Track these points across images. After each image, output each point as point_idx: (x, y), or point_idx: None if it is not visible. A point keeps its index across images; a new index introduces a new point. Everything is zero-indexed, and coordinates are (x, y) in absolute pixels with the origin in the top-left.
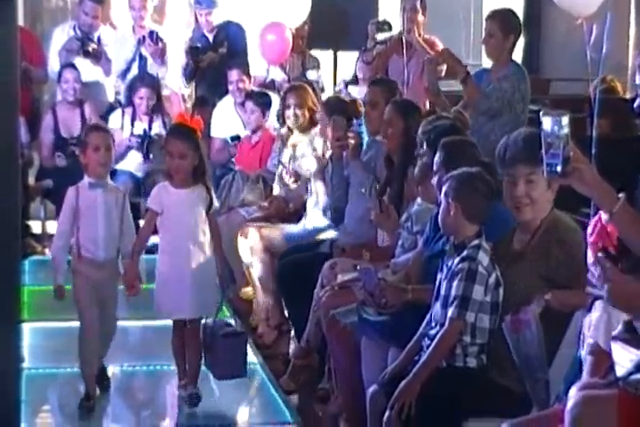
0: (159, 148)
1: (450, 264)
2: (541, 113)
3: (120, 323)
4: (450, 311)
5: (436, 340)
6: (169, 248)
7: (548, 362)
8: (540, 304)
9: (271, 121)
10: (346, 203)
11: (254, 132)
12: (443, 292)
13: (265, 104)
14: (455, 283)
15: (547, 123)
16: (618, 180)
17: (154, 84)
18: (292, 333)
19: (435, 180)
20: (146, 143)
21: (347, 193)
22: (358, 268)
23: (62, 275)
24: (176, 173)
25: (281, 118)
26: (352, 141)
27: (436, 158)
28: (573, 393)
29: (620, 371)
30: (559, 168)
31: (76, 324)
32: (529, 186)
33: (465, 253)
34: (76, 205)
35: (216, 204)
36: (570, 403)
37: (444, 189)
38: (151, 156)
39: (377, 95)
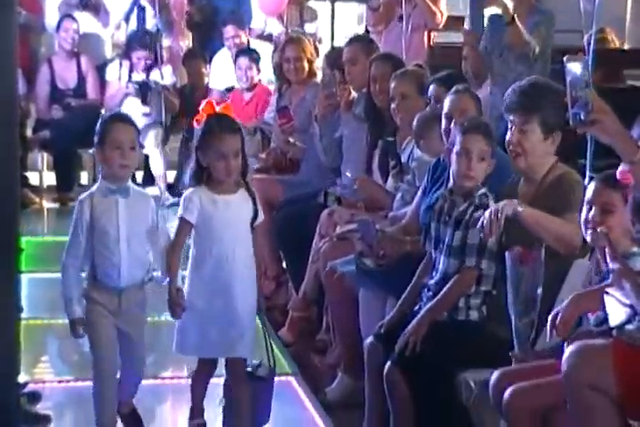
0: (157, 94)
1: (459, 215)
2: (566, 59)
3: None
4: (467, 260)
5: (447, 288)
6: (207, 273)
7: (548, 308)
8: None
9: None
10: (341, 161)
11: (249, 89)
12: (449, 241)
13: (257, 59)
14: (471, 232)
15: (575, 67)
16: None
17: (151, 44)
18: (290, 284)
19: (444, 128)
20: (144, 89)
21: (341, 151)
22: (356, 219)
23: (79, 304)
24: (228, 175)
25: (278, 71)
26: (345, 94)
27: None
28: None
29: (614, 321)
30: (583, 116)
31: None
32: (522, 135)
33: (477, 200)
34: (90, 217)
35: (261, 214)
36: (566, 353)
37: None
38: (150, 104)
39: (356, 52)
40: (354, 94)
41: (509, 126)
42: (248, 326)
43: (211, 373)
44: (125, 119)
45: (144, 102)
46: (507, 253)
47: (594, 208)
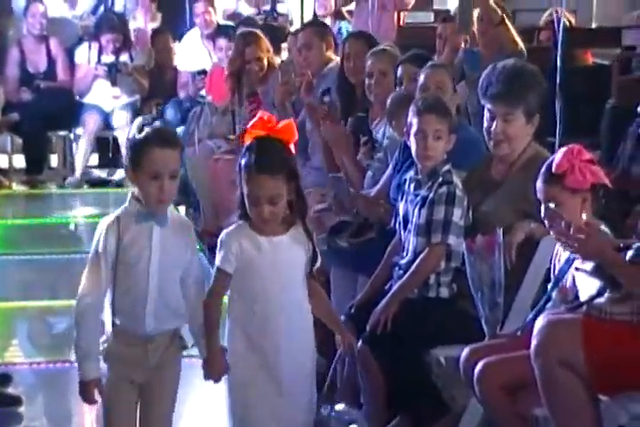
0: (127, 76)
1: (424, 193)
2: None
3: None
4: (433, 237)
5: (416, 265)
6: (248, 338)
7: (515, 289)
8: (525, 231)
9: None
10: (305, 147)
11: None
12: (416, 220)
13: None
14: (436, 208)
15: None
16: (584, 109)
17: (120, 27)
18: None
19: None
20: (114, 71)
21: (304, 135)
22: (330, 176)
23: (96, 361)
24: (263, 222)
25: (233, 64)
26: (304, 79)
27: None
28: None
29: (584, 296)
30: None
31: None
32: (506, 124)
33: (440, 178)
34: (115, 248)
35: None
36: (535, 328)
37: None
38: (119, 86)
39: (311, 37)
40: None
41: (488, 115)
42: (303, 402)
43: None
44: (169, 142)
45: (113, 84)
46: (464, 245)
47: (543, 203)
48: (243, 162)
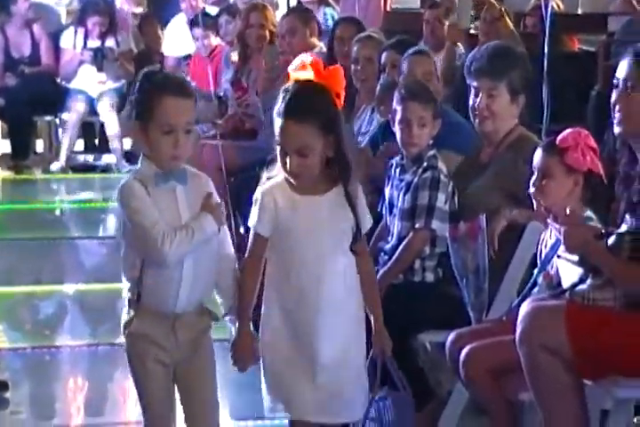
0: (113, 61)
1: (408, 178)
2: None
3: None
4: (417, 222)
5: (400, 250)
6: (285, 310)
7: (501, 275)
8: (507, 218)
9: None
10: None
11: (209, 55)
12: (401, 205)
13: (214, 25)
14: (420, 193)
15: None
16: (570, 95)
17: (106, 10)
18: None
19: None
20: (100, 56)
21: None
22: None
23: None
24: (293, 177)
25: (240, 37)
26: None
27: None
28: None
29: (567, 283)
30: None
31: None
32: (490, 99)
33: (425, 163)
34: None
35: (367, 223)
36: (520, 314)
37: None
38: (105, 71)
39: (294, 22)
40: None
41: (473, 92)
42: (350, 382)
43: None
44: (183, 91)
45: (99, 70)
46: (447, 233)
47: (535, 173)
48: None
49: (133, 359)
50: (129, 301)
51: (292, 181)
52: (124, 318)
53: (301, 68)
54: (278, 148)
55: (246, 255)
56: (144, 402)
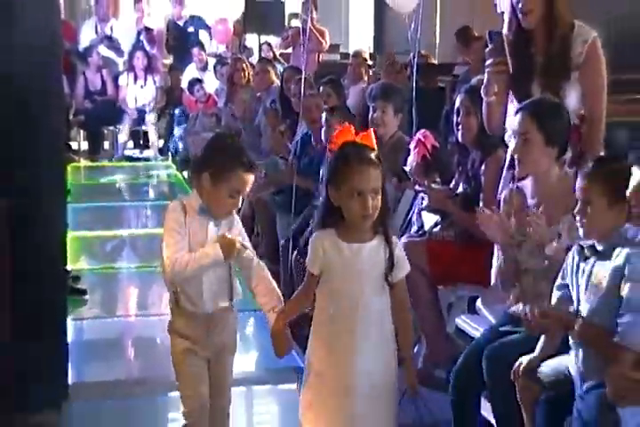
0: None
1: None
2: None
3: None
4: None
5: None
6: (325, 337)
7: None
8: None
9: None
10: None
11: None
12: None
13: (201, 82)
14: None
15: None
16: (430, 112)
17: (146, 51)
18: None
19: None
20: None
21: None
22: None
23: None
24: (364, 217)
25: (229, 78)
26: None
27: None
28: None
29: (427, 226)
30: None
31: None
32: (383, 114)
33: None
34: (183, 223)
35: (407, 267)
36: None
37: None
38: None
39: (264, 67)
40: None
41: (371, 109)
42: (383, 416)
43: None
44: (253, 167)
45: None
46: None
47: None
48: (333, 166)
49: (175, 357)
50: (170, 303)
51: (359, 223)
52: (169, 318)
53: (342, 134)
54: (346, 194)
55: (301, 286)
56: (185, 393)
